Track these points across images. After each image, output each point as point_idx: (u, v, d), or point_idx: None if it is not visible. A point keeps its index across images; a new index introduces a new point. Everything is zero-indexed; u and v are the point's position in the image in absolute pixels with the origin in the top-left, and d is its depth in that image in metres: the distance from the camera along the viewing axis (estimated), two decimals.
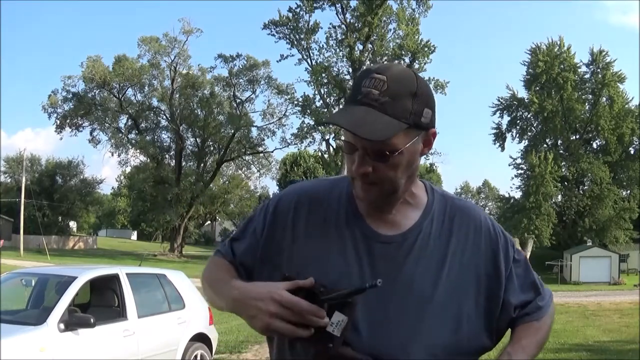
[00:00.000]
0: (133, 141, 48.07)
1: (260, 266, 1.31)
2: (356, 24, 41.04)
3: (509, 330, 1.35)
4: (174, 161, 49.15)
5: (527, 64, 48.63)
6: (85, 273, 5.96)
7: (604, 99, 46.59)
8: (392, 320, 1.19)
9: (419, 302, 1.20)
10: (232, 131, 46.94)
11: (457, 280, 1.24)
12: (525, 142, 50.44)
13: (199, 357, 6.79)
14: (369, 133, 1.12)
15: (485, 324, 1.28)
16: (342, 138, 1.23)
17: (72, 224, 61.41)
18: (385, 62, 1.23)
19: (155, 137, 49.61)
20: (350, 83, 41.41)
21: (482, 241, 1.29)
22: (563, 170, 45.63)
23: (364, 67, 1.28)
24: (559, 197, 47.64)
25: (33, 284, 6.22)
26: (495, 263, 1.29)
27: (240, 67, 46.99)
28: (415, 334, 1.19)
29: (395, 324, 1.19)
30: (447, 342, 1.21)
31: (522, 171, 47.32)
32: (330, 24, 50.40)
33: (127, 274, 6.26)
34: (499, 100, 50.69)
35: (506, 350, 1.27)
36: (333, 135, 41.51)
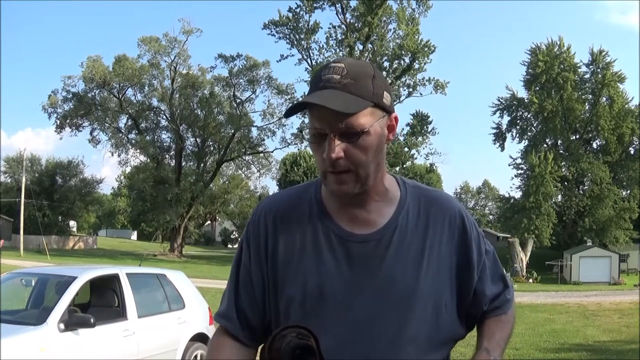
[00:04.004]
0: (133, 141, 48.07)
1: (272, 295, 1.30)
2: (356, 24, 41.04)
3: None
4: (174, 161, 49.15)
5: (527, 64, 48.64)
6: (85, 273, 5.96)
7: (604, 99, 46.57)
8: (378, 318, 1.20)
9: (403, 297, 1.21)
10: (232, 131, 46.95)
11: (436, 271, 1.25)
12: (525, 142, 50.47)
13: (199, 357, 6.79)
14: (339, 106, 1.13)
15: (459, 313, 1.30)
16: (307, 131, 1.21)
17: (72, 224, 61.40)
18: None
19: (155, 137, 49.63)
20: None
21: (456, 232, 1.30)
22: (563, 170, 45.63)
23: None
24: (559, 197, 47.64)
25: (33, 284, 6.22)
26: (467, 254, 1.30)
27: (240, 67, 47.01)
28: (401, 329, 1.20)
29: (382, 322, 1.20)
30: (431, 333, 1.23)
31: (522, 171, 47.34)
32: (330, 24, 50.53)
33: (127, 274, 6.27)
34: (499, 100, 50.74)
35: (484, 347, 1.30)
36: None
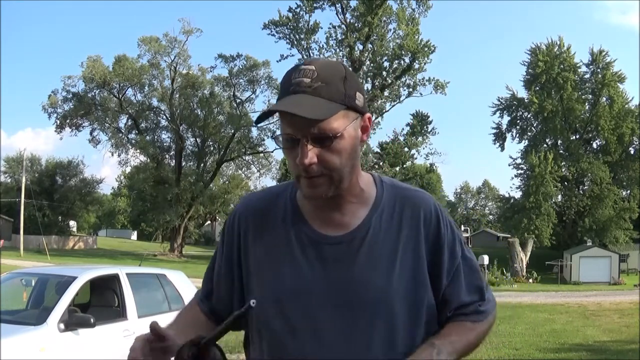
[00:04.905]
0: (133, 141, 48.08)
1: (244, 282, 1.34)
2: (356, 24, 41.04)
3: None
4: (174, 161, 49.15)
5: (527, 64, 48.67)
6: (85, 273, 5.96)
7: (604, 99, 46.60)
8: (349, 320, 1.19)
9: (375, 299, 1.20)
10: (232, 131, 46.96)
11: (412, 271, 1.23)
12: (525, 142, 50.52)
13: None
14: (310, 112, 1.11)
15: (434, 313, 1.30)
16: (278, 135, 1.21)
17: (72, 224, 61.40)
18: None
19: (155, 137, 49.63)
20: None
21: (430, 232, 1.27)
22: (563, 170, 45.65)
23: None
24: (559, 197, 47.66)
25: (33, 284, 6.22)
26: (438, 256, 1.26)
27: (240, 67, 47.03)
28: (372, 331, 1.19)
29: (353, 324, 1.19)
30: (404, 336, 1.21)
31: (522, 171, 47.37)
32: (330, 24, 50.45)
33: (127, 274, 6.27)
34: (499, 100, 50.77)
35: (431, 341, 1.21)
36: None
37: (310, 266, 1.23)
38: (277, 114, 1.18)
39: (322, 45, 42.16)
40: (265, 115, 1.20)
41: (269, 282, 1.24)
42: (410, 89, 41.86)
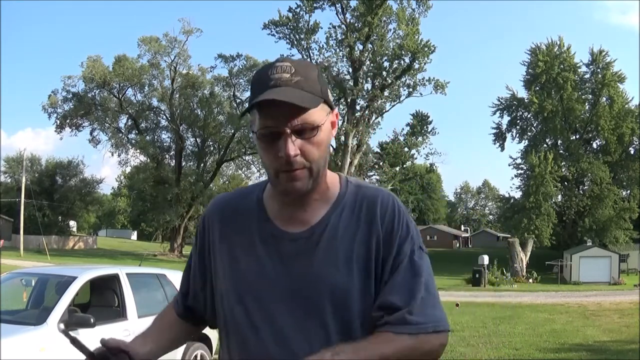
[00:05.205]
0: (133, 141, 48.08)
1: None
2: (356, 24, 41.04)
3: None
4: (174, 161, 49.16)
5: (527, 64, 48.66)
6: (85, 273, 5.96)
7: (604, 99, 46.59)
8: (306, 316, 1.21)
9: (332, 293, 1.21)
10: (232, 131, 46.96)
11: (366, 267, 1.23)
12: (525, 142, 50.53)
13: (199, 357, 6.79)
14: (300, 102, 1.13)
15: None
16: (257, 132, 1.19)
17: (72, 224, 61.42)
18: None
19: (155, 137, 49.65)
20: (351, 83, 41.43)
21: (384, 229, 1.25)
22: (563, 170, 45.64)
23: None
24: (559, 197, 47.65)
25: (33, 284, 6.22)
26: (387, 252, 1.24)
27: (240, 67, 47.03)
28: (331, 324, 1.21)
29: (310, 320, 1.21)
30: (363, 327, 1.22)
31: (522, 171, 47.36)
32: (330, 24, 50.52)
33: (127, 274, 6.26)
34: (499, 100, 50.77)
35: (335, 348, 1.14)
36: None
37: (271, 262, 1.25)
38: (251, 111, 1.19)
39: (322, 45, 42.21)
40: (252, 108, 1.18)
41: (232, 279, 1.28)
42: (410, 89, 41.87)
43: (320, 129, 1.18)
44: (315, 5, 41.54)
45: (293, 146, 1.15)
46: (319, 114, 1.18)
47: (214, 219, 1.36)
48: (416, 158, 46.84)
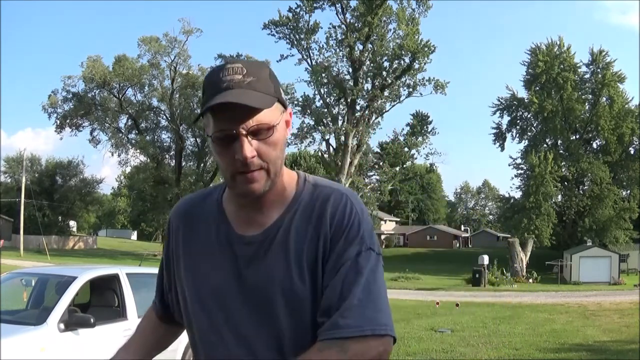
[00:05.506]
0: (133, 141, 48.10)
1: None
2: (356, 24, 41.04)
3: None
4: (174, 161, 49.17)
5: (527, 64, 48.67)
6: (85, 273, 5.95)
7: (604, 99, 46.61)
8: (263, 318, 1.21)
9: (286, 297, 1.20)
10: None
11: (314, 270, 1.21)
12: (525, 142, 50.54)
13: None
14: (255, 103, 1.12)
15: None
16: (211, 135, 1.17)
17: (72, 224, 61.44)
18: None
19: (155, 137, 49.67)
20: (351, 83, 41.43)
21: (332, 229, 1.22)
22: (563, 170, 45.65)
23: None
24: (559, 197, 47.66)
25: (33, 284, 6.22)
26: (331, 253, 1.20)
27: None
28: (283, 328, 1.19)
29: (267, 321, 1.21)
30: (314, 330, 1.19)
31: (522, 171, 47.36)
32: (330, 24, 50.54)
33: (127, 274, 6.26)
34: (499, 100, 50.77)
35: None
36: (334, 135, 41.55)
37: (228, 266, 1.25)
38: (205, 114, 1.18)
39: (322, 45, 42.22)
40: (206, 111, 1.16)
41: (194, 282, 1.29)
42: (410, 89, 41.88)
43: (276, 129, 1.17)
44: (315, 5, 41.55)
45: (250, 147, 1.14)
46: (273, 114, 1.17)
47: (177, 223, 1.36)
48: (416, 158, 46.90)
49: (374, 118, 42.30)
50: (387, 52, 41.13)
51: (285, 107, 1.23)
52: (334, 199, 1.24)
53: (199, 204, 1.36)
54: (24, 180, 44.15)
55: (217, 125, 1.15)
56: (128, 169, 53.56)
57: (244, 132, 1.14)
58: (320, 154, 45.73)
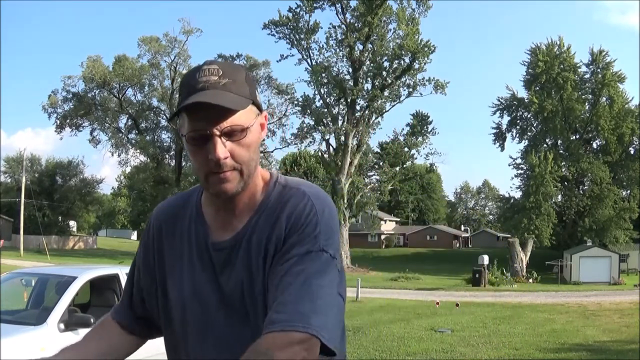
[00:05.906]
0: (133, 141, 48.11)
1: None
2: (356, 24, 41.06)
3: None
4: (174, 161, 49.19)
5: (527, 64, 48.66)
6: (85, 273, 5.96)
7: (604, 99, 46.60)
8: (235, 323, 1.22)
9: (253, 299, 1.21)
10: None
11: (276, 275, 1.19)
12: (525, 142, 50.53)
13: None
14: (229, 104, 1.12)
15: None
16: (186, 135, 1.18)
17: (72, 224, 61.45)
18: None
19: (155, 137, 49.69)
20: (351, 83, 41.43)
21: (289, 232, 1.20)
22: (563, 170, 45.65)
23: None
24: (559, 197, 47.65)
25: (33, 284, 6.22)
26: (280, 251, 1.19)
27: None
28: (252, 335, 1.14)
29: (238, 327, 1.21)
30: None
31: (522, 171, 47.36)
32: (330, 24, 50.59)
33: (127, 274, 6.25)
34: (499, 100, 50.76)
35: None
36: (334, 135, 41.55)
37: (204, 271, 1.26)
38: (181, 114, 1.19)
39: (322, 45, 42.26)
40: (181, 111, 1.18)
41: (174, 287, 1.29)
42: (410, 89, 41.90)
43: (250, 131, 1.18)
44: (315, 5, 41.58)
45: (223, 148, 1.14)
46: (247, 116, 1.17)
47: (159, 225, 1.36)
48: (416, 158, 46.92)
49: (374, 118, 42.32)
50: (387, 52, 41.14)
51: (260, 110, 1.24)
52: (294, 199, 1.23)
53: (180, 207, 1.35)
54: (24, 180, 44.15)
55: (192, 125, 1.16)
56: (128, 169, 53.63)
57: (217, 133, 1.14)
58: (320, 154, 45.77)
